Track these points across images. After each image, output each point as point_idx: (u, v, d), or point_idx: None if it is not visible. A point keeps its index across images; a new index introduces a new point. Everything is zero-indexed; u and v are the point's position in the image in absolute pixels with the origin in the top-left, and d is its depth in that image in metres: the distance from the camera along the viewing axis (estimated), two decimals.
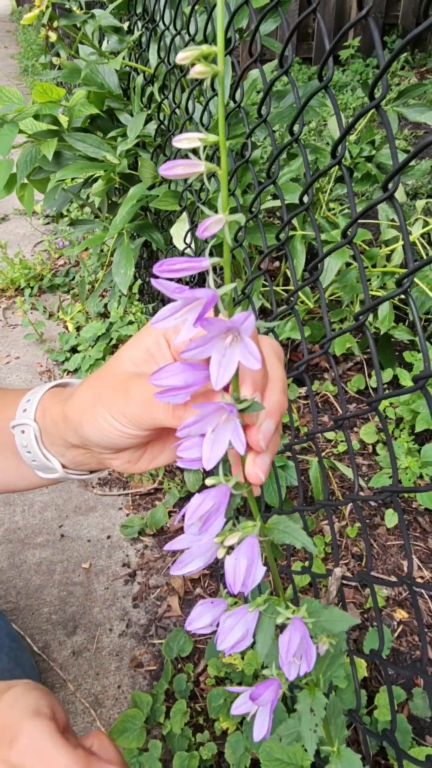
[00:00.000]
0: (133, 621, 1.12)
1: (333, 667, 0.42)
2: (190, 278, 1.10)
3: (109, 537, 1.29)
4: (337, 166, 1.81)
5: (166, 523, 1.28)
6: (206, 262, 0.25)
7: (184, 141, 0.25)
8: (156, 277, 0.25)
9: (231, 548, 0.31)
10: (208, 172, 0.26)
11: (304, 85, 1.31)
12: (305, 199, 0.62)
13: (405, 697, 0.93)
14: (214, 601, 0.35)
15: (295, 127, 0.58)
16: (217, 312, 0.27)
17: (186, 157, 0.26)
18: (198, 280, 1.19)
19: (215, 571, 1.16)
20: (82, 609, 1.14)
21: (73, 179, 1.49)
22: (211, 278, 0.26)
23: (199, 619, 0.35)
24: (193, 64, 0.23)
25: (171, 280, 0.25)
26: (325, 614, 0.36)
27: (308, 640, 0.34)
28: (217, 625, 0.34)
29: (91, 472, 0.50)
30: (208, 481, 0.30)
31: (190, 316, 0.26)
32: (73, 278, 2.32)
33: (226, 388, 0.29)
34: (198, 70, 0.23)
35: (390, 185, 0.47)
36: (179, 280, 0.26)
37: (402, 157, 1.63)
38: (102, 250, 2.22)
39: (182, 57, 0.23)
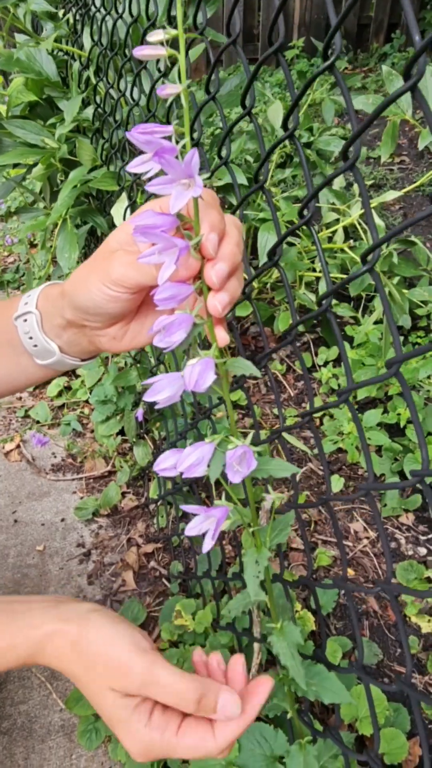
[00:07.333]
0: (89, 597, 1.13)
1: (280, 535, 0.49)
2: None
3: (63, 520, 1.30)
4: (279, 149, 1.85)
5: (119, 501, 1.30)
6: (170, 127, 0.33)
7: (153, 36, 0.34)
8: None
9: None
10: (169, 57, 0.35)
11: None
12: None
13: (351, 645, 0.97)
14: (178, 449, 0.40)
15: (223, 152, 0.59)
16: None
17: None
18: None
19: (168, 544, 1.18)
20: (36, 589, 1.15)
21: (15, 166, 1.50)
22: (173, 139, 0.33)
23: (165, 461, 0.40)
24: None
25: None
26: (272, 463, 0.43)
27: (250, 456, 0.40)
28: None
29: (82, 360, 0.57)
30: (178, 311, 0.36)
31: (154, 163, 0.33)
32: (23, 275, 2.30)
33: (187, 228, 0.36)
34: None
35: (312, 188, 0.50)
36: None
37: (339, 143, 1.70)
38: (51, 246, 2.22)
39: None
